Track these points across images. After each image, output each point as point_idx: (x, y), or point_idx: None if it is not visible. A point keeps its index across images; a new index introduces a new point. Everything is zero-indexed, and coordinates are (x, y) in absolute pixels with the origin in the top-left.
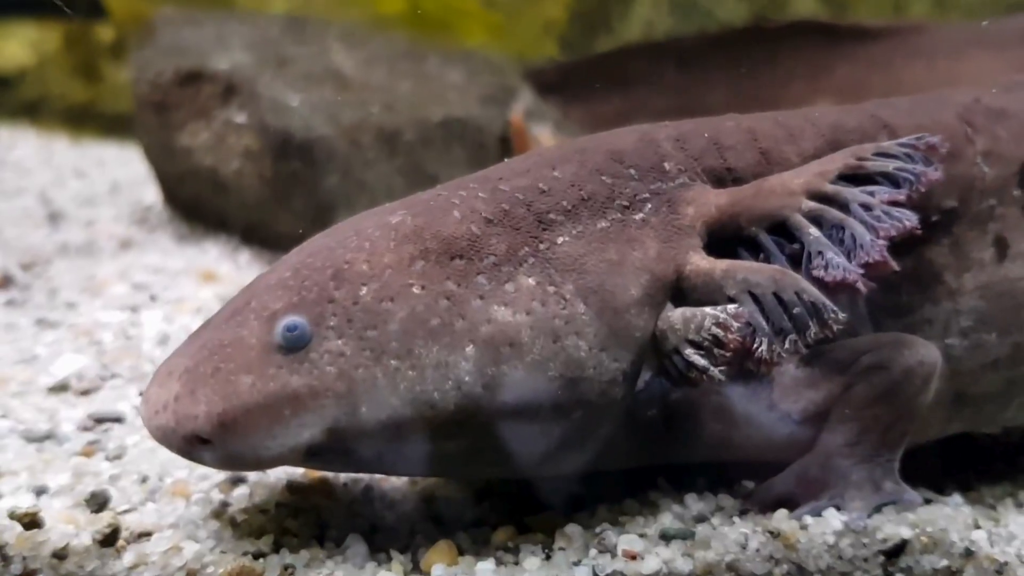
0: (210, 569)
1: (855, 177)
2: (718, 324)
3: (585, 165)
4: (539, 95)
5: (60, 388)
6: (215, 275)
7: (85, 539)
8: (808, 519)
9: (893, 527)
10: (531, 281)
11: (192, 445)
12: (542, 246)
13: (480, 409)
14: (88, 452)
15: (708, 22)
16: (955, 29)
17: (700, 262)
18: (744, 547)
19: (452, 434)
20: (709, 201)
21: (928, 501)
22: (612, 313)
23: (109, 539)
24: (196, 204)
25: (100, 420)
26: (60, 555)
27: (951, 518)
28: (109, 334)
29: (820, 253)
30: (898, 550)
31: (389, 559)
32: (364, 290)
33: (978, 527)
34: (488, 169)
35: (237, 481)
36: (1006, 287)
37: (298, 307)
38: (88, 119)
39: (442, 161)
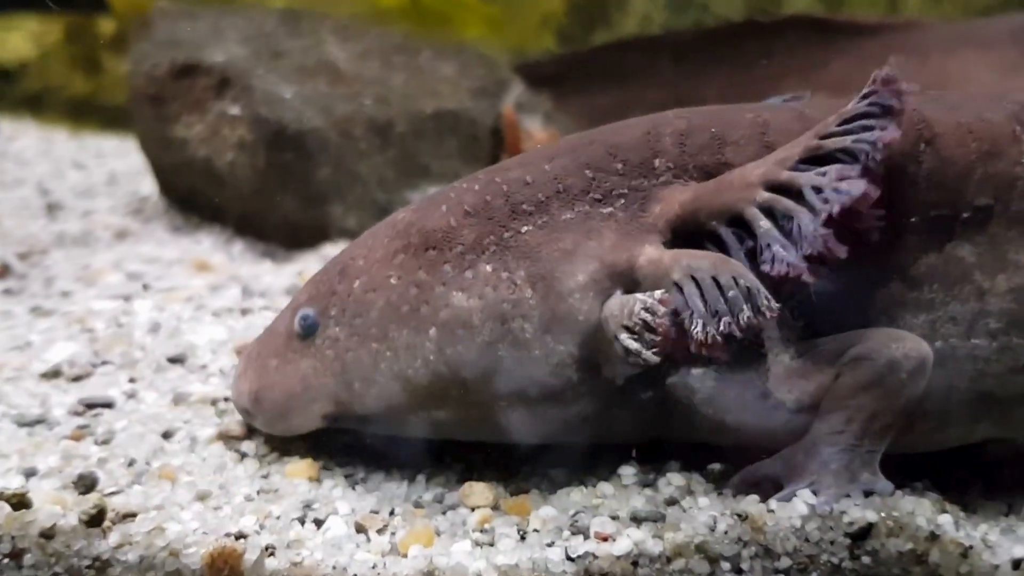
0: (192, 549)
1: (817, 158)
2: (646, 309)
3: (578, 159)
4: (532, 88)
5: (52, 374)
6: (208, 265)
7: (72, 519)
8: (774, 503)
9: (859, 511)
10: (488, 268)
11: (247, 414)
12: (507, 235)
13: (448, 385)
14: (78, 436)
15: (704, 16)
16: (947, 27)
17: (652, 252)
18: (713, 529)
19: (432, 405)
20: (675, 198)
21: (896, 487)
22: (556, 297)
23: (95, 519)
24: (191, 195)
25: (90, 405)
26: (47, 535)
27: (918, 502)
28: (101, 322)
29: (768, 246)
30: (864, 533)
31: (368, 540)
32: (357, 283)
33: (944, 511)
34: (517, 157)
35: (221, 468)
36: None
37: (312, 300)
38: (89, 112)
39: (434, 153)
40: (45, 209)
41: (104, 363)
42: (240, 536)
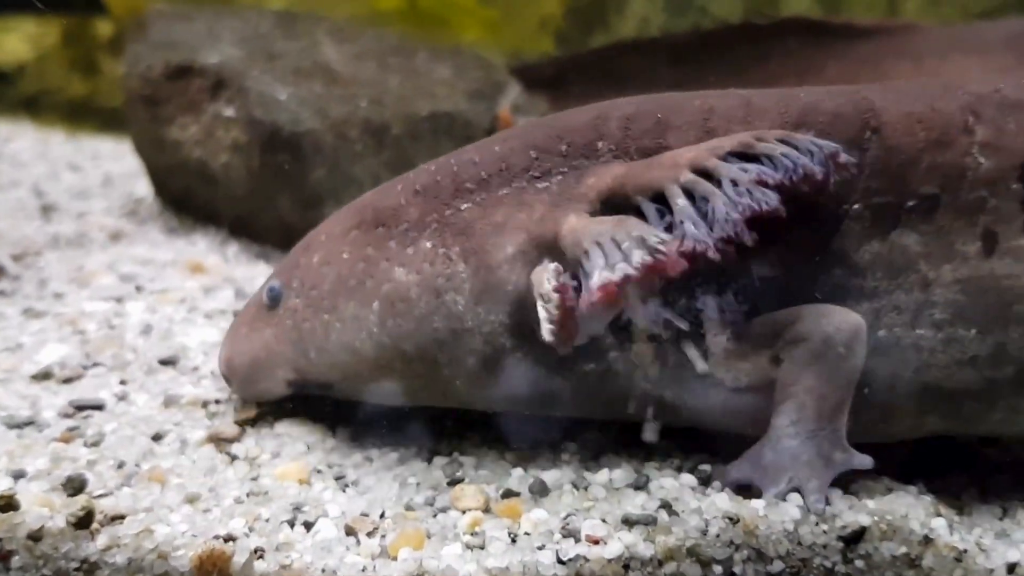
0: (181, 552)
1: (746, 156)
2: (548, 278)
3: (525, 141)
4: (529, 90)
5: (43, 376)
6: (203, 267)
7: (60, 522)
8: (763, 504)
9: (852, 514)
10: (428, 244)
11: (226, 380)
12: (447, 212)
13: (391, 355)
14: (67, 438)
15: (702, 18)
16: (943, 30)
17: (573, 221)
18: (705, 533)
19: (380, 374)
20: (608, 172)
21: (889, 489)
22: (486, 270)
23: (83, 521)
24: (186, 197)
25: (81, 407)
26: (35, 536)
27: (912, 505)
28: (93, 324)
29: (681, 222)
30: (857, 537)
31: (358, 543)
32: (316, 257)
33: (939, 515)
34: (478, 141)
35: (212, 471)
36: (990, 283)
37: (280, 273)
38: (87, 114)
39: (430, 155)
40: (40, 211)
41: (95, 365)
42: (229, 538)
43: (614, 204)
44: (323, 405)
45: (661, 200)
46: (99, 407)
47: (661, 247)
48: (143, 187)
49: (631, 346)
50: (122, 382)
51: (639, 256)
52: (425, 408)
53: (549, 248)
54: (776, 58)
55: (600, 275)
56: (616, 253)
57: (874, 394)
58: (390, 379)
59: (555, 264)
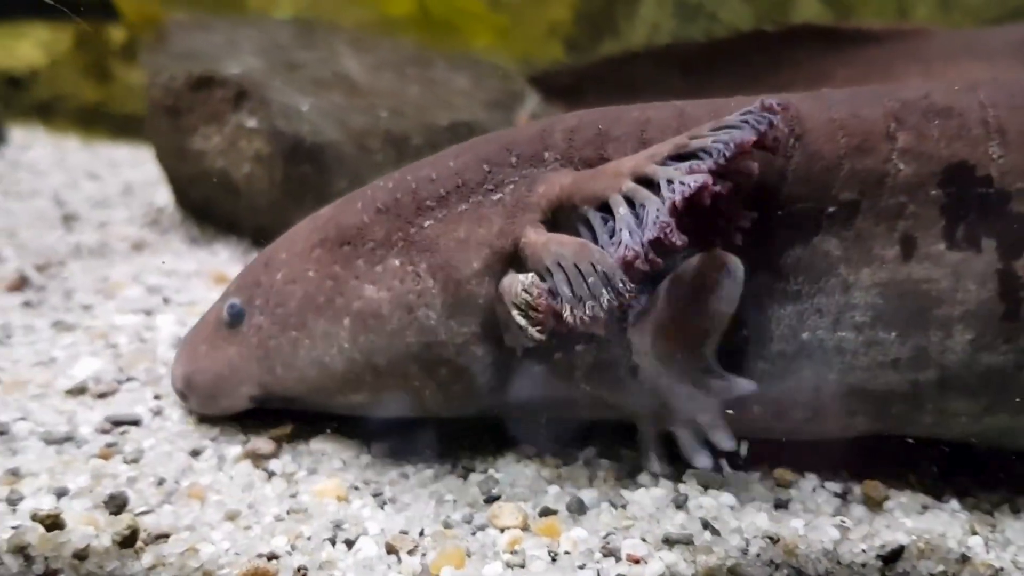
0: (225, 570)
1: (683, 156)
2: (525, 289)
3: (478, 155)
4: (546, 99)
5: (78, 391)
6: (226, 278)
7: (105, 540)
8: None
9: (891, 533)
10: (396, 262)
11: (182, 396)
12: (412, 230)
13: (361, 370)
14: (106, 455)
15: (713, 25)
16: (952, 35)
17: (531, 235)
18: (745, 552)
19: (348, 388)
20: (557, 181)
21: (925, 507)
22: (455, 285)
23: (128, 540)
24: (207, 206)
25: (117, 423)
26: (81, 555)
27: (948, 524)
28: (124, 337)
29: (621, 230)
30: (895, 555)
31: (399, 562)
32: (279, 275)
33: (975, 533)
34: (425, 158)
35: (249, 487)
36: (908, 287)
37: (239, 291)
38: (99, 120)
39: None
40: (61, 220)
41: (129, 379)
42: (272, 557)
43: (563, 212)
44: (356, 421)
45: (607, 209)
46: (135, 422)
47: (625, 291)
48: (163, 196)
49: (573, 347)
50: (156, 397)
51: (606, 298)
52: (459, 424)
53: (510, 258)
54: (787, 65)
55: (573, 313)
56: (582, 286)
57: (801, 395)
58: (358, 391)
59: (531, 276)
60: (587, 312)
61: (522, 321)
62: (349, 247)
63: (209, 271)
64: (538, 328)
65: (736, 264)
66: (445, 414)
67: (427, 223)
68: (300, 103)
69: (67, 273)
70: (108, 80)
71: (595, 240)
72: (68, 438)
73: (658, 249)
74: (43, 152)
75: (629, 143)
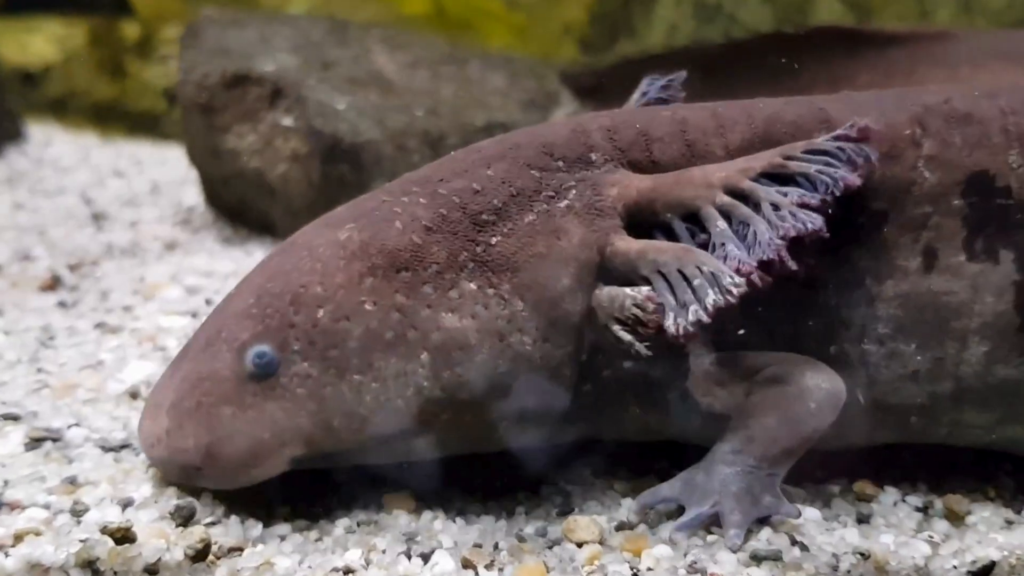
0: None
1: (777, 176)
2: (636, 304)
3: (517, 161)
4: (578, 99)
5: (131, 395)
6: None
7: (177, 554)
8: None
9: (982, 548)
10: (473, 286)
11: (188, 474)
12: (479, 249)
13: (442, 408)
14: None
15: (732, 26)
16: (978, 38)
17: (619, 243)
18: (836, 569)
19: (419, 430)
20: (632, 184)
21: (1009, 522)
22: (548, 304)
23: (201, 554)
24: (240, 206)
25: None
26: (152, 570)
27: None
28: (172, 340)
29: (723, 245)
30: (987, 571)
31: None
32: (321, 312)
33: None
34: (432, 165)
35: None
36: (928, 299)
37: (263, 336)
38: (114, 116)
39: None
40: (91, 219)
41: None
42: (348, 571)
43: (639, 216)
44: None
45: (690, 219)
46: None
47: (734, 288)
48: (192, 195)
49: (623, 365)
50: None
51: (713, 298)
52: None
53: (597, 270)
54: (808, 67)
55: (676, 322)
56: (687, 292)
57: None
58: (426, 434)
59: (647, 290)
60: (691, 318)
61: (626, 336)
62: (408, 272)
63: (245, 271)
64: (646, 343)
65: (843, 395)
66: (515, 446)
67: (494, 239)
68: (337, 102)
69: (100, 273)
70: (122, 76)
71: None
72: (125, 445)
73: (766, 270)
74: (64, 149)
75: (674, 144)
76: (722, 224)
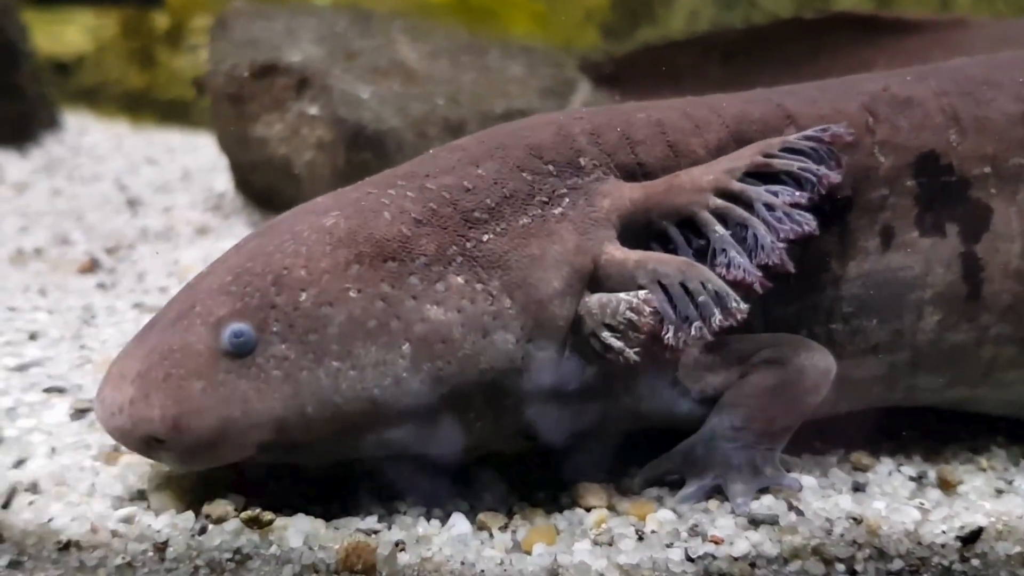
0: (327, 544)
1: (761, 174)
2: (631, 309)
3: (507, 162)
4: (598, 87)
5: None
6: None
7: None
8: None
9: (970, 515)
10: (460, 280)
11: (149, 446)
12: (469, 244)
13: (418, 400)
14: None
15: (752, 12)
16: (995, 25)
17: (614, 252)
18: (829, 532)
19: (394, 424)
20: (623, 194)
21: (999, 491)
22: (537, 306)
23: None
24: (269, 192)
25: None
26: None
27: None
28: None
29: (724, 251)
30: (974, 536)
31: (491, 537)
32: (304, 296)
33: None
34: (413, 162)
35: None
36: (887, 276)
37: (242, 313)
38: (144, 105)
39: None
40: (126, 204)
41: None
42: (371, 532)
43: (633, 226)
44: None
45: (686, 225)
46: None
47: (738, 314)
48: (223, 181)
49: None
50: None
51: (718, 318)
52: None
53: (588, 278)
54: (826, 53)
55: (677, 335)
56: (689, 306)
57: None
58: (399, 428)
59: (644, 293)
60: (693, 333)
61: (616, 343)
62: (395, 263)
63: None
64: (636, 349)
65: (833, 370)
66: (484, 451)
67: (485, 237)
68: (361, 91)
69: (136, 256)
70: (153, 66)
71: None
72: None
73: (764, 271)
74: (99, 137)
75: (657, 146)
76: (720, 229)
